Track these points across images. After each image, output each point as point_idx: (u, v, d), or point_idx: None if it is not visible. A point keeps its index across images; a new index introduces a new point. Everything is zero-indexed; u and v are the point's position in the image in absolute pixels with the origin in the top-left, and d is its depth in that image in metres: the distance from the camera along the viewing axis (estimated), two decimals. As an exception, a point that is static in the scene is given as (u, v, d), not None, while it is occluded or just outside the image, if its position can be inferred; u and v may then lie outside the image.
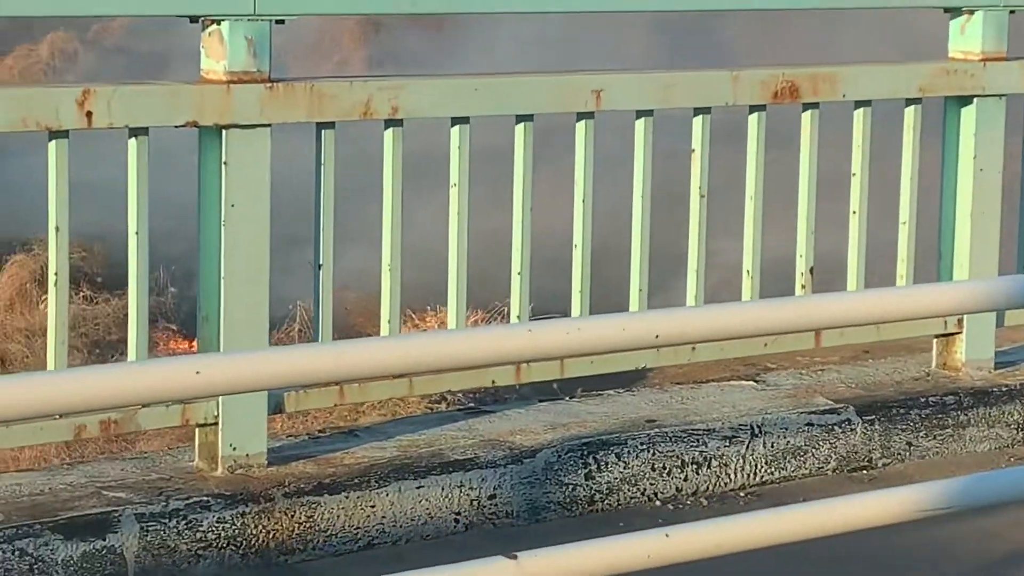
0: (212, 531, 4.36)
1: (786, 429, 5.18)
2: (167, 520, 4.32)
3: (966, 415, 5.47)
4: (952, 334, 5.68)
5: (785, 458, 5.17)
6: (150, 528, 4.29)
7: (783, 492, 5.08)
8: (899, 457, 5.34)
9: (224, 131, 4.49)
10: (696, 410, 5.21)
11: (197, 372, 2.54)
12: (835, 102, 5.38)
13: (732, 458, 5.08)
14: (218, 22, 4.48)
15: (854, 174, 5.51)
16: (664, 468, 4.99)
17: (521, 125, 4.94)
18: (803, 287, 5.44)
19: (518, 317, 4.99)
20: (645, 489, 4.96)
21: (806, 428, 5.21)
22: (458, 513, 4.69)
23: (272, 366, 2.87)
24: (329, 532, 4.51)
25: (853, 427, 5.28)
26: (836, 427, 5.25)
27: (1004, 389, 5.56)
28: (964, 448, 5.46)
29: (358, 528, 4.55)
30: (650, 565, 3.03)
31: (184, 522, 4.34)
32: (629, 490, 4.94)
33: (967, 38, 5.61)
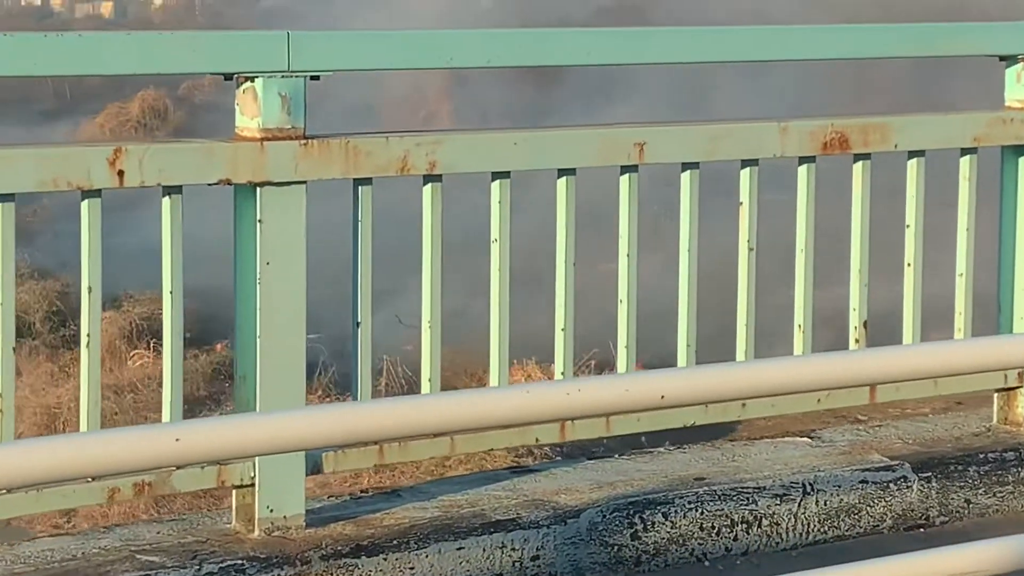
0: (247, 594, 4.23)
1: (839, 487, 4.99)
2: (200, 584, 4.19)
3: (1020, 470, 5.26)
4: (1013, 388, 5.48)
5: (839, 516, 4.97)
6: (183, 592, 4.16)
7: (836, 551, 4.89)
8: (957, 515, 5.14)
9: (258, 188, 4.39)
10: (747, 467, 5.03)
11: (226, 432, 2.40)
12: (887, 152, 5.21)
13: (783, 517, 4.90)
14: (252, 79, 4.38)
15: (908, 225, 5.32)
16: (713, 527, 4.81)
17: (563, 179, 4.80)
18: (856, 341, 5.26)
19: (562, 374, 4.84)
20: (693, 549, 4.79)
21: (860, 486, 5.02)
22: (500, 575, 4.54)
23: (304, 425, 2.74)
24: (367, 595, 4.37)
25: (909, 484, 5.08)
26: (891, 484, 5.06)
27: (1067, 444, 5.35)
28: (1025, 505, 5.25)
29: (397, 591, 4.41)
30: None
31: (217, 585, 4.21)
32: (677, 550, 4.76)
33: (1022, 86, 5.42)
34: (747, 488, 4.89)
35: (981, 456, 5.22)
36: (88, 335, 4.29)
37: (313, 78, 4.44)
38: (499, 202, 4.72)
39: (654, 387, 2.53)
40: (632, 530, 4.70)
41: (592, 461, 5.08)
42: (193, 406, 13.85)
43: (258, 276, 4.40)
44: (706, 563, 4.79)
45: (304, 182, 4.44)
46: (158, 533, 4.40)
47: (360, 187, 4.57)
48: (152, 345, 14.90)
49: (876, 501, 5.03)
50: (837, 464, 5.09)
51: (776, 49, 5.27)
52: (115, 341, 14.85)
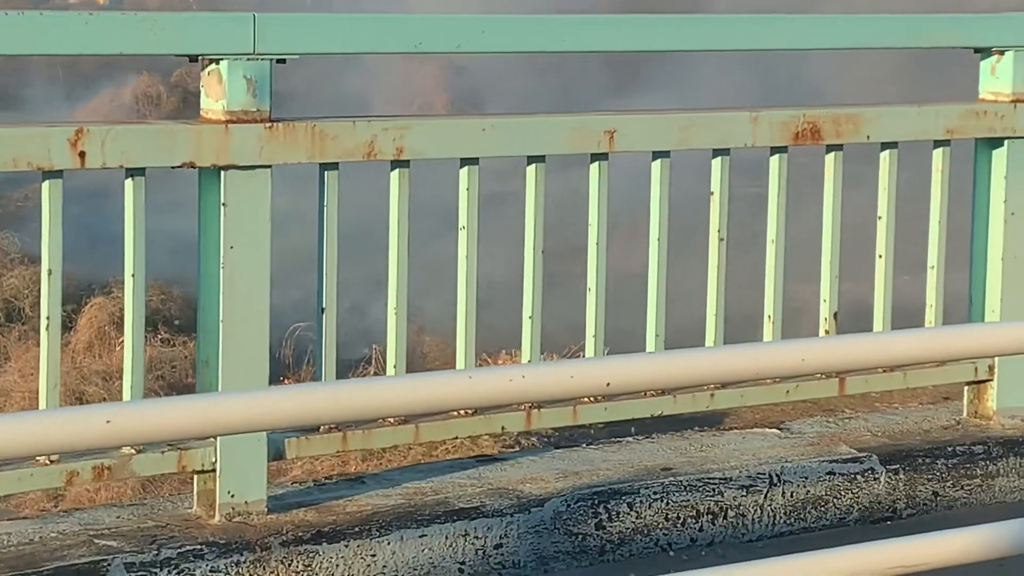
0: (206, 580, 4.14)
1: (806, 478, 4.89)
2: (157, 569, 4.09)
3: (995, 465, 5.17)
4: (983, 381, 5.38)
5: (805, 508, 4.88)
6: (141, 577, 4.07)
7: (802, 543, 4.79)
8: (924, 508, 5.04)
9: (223, 172, 4.29)
10: (714, 458, 4.94)
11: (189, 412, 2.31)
12: (859, 144, 5.12)
13: (749, 508, 4.81)
14: (217, 61, 4.28)
15: (880, 217, 5.23)
16: (678, 518, 4.72)
17: (532, 166, 4.71)
18: (827, 332, 5.16)
19: (529, 362, 4.74)
20: (658, 539, 4.69)
21: (827, 477, 4.93)
22: (463, 563, 4.44)
23: (261, 406, 2.65)
24: (328, 582, 4.27)
25: (876, 476, 4.99)
26: (858, 476, 4.96)
27: (1037, 438, 5.26)
28: (993, 499, 5.15)
29: (358, 578, 4.31)
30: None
31: (175, 571, 4.11)
32: (641, 540, 4.67)
33: (998, 79, 5.32)
34: (713, 479, 4.79)
35: (949, 449, 5.13)
36: (48, 317, 4.18)
37: (279, 61, 4.34)
38: (467, 189, 4.62)
39: (600, 374, 2.43)
40: (597, 520, 4.61)
41: (559, 450, 4.99)
42: (183, 392, 13.73)
43: (221, 261, 4.30)
44: (671, 553, 4.69)
45: (269, 166, 4.33)
46: (118, 517, 4.30)
47: (326, 172, 4.47)
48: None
49: (843, 493, 4.94)
50: (805, 455, 4.99)
51: (754, 39, 5.17)
52: (104, 327, 14.71)
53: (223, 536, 4.22)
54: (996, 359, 5.33)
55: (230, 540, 4.20)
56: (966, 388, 5.43)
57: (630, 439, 5.13)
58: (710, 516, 4.75)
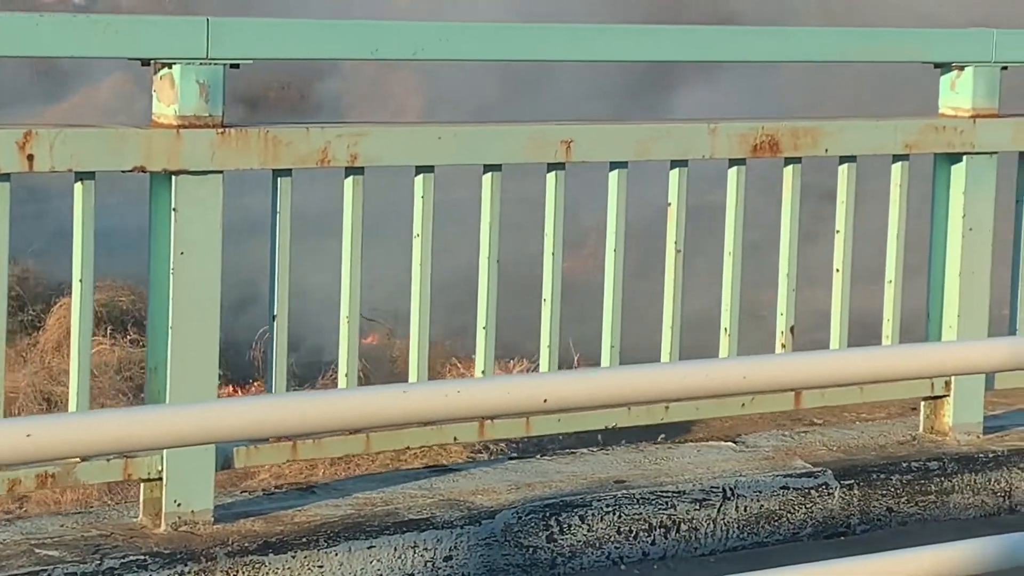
0: (150, 590, 4.03)
1: (760, 492, 4.80)
2: (100, 579, 3.98)
3: (950, 481, 5.08)
4: (939, 397, 5.30)
5: (758, 522, 4.79)
6: (84, 586, 3.95)
7: (755, 558, 4.70)
8: (879, 523, 4.96)
9: (174, 177, 4.18)
10: (668, 471, 4.84)
11: (131, 424, 2.22)
12: (817, 157, 5.03)
13: (702, 522, 4.71)
14: (169, 65, 4.17)
15: (838, 231, 5.14)
16: (630, 531, 4.62)
17: (488, 175, 4.60)
18: (783, 346, 5.07)
19: (483, 372, 4.64)
20: (610, 553, 4.59)
21: (781, 492, 4.83)
22: (411, 575, 4.34)
23: (208, 419, 2.55)
24: (274, 593, 4.16)
25: (831, 491, 4.90)
26: (813, 491, 4.87)
27: (991, 455, 5.17)
28: (948, 515, 5.07)
29: (305, 589, 4.20)
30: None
31: (118, 581, 4.00)
32: (593, 553, 4.57)
33: (957, 94, 5.24)
34: (666, 492, 4.70)
35: (904, 465, 5.04)
36: (-8, 322, 4.07)
37: (233, 66, 4.23)
38: (422, 197, 4.52)
39: (537, 390, 2.34)
40: (548, 532, 4.51)
41: (513, 461, 4.89)
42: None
43: (171, 267, 4.19)
44: (622, 567, 4.59)
45: (221, 172, 4.23)
46: (61, 526, 4.18)
47: (279, 178, 4.36)
48: (109, 332, 14.63)
49: (797, 508, 4.85)
50: (759, 469, 4.90)
51: (715, 51, 5.08)
52: (72, 328, 14.53)
53: (168, 546, 4.11)
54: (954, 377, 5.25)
55: (175, 550, 4.09)
56: (923, 403, 5.35)
57: (585, 451, 5.03)
58: (663, 529, 4.66)
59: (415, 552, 4.33)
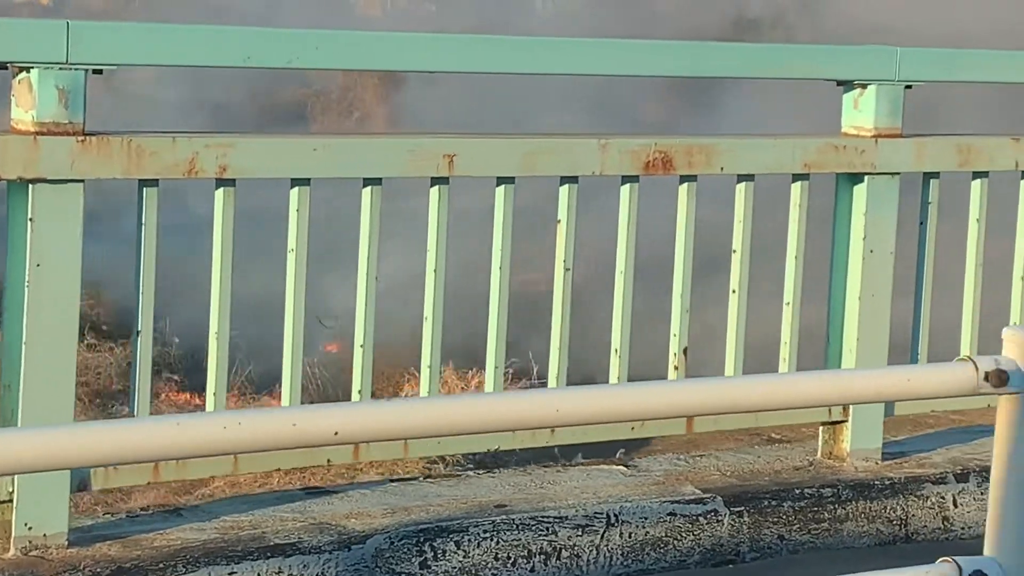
0: (-5, 617, 3.79)
1: (646, 519, 4.59)
2: (-60, 605, 3.75)
3: (844, 509, 4.88)
4: (838, 422, 5.10)
5: (643, 549, 4.57)
6: (-76, 613, 3.72)
7: (640, 587, 4.49)
8: (769, 551, 4.75)
9: (31, 186, 3.94)
10: (552, 495, 4.63)
11: None
12: (712, 175, 4.83)
13: (584, 548, 4.49)
14: (27, 70, 3.93)
15: (735, 251, 4.94)
16: (508, 557, 4.40)
17: (368, 189, 4.38)
18: (676, 368, 4.86)
19: (359, 393, 4.41)
20: (487, 580, 4.38)
21: (668, 518, 4.62)
22: (276, 602, 4.11)
23: (54, 444, 2.34)
24: (130, 620, 3.93)
25: (720, 518, 4.69)
26: (701, 518, 4.66)
27: (888, 482, 4.97)
28: (841, 543, 4.86)
29: (163, 616, 3.97)
30: None
31: (-40, 607, 3.76)
32: (469, 581, 4.35)
33: (860, 113, 5.04)
34: (548, 517, 4.48)
35: (797, 491, 4.84)
36: None
37: (96, 71, 4.00)
38: (296, 210, 4.30)
39: (325, 423, 2.13)
40: (421, 558, 4.29)
41: (395, 484, 4.66)
42: (106, 400, 13.25)
43: (27, 279, 3.95)
44: (500, 595, 4.38)
45: (82, 181, 3.99)
46: (-93, 548, 3.95)
47: (145, 188, 4.13)
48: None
49: (684, 535, 4.64)
50: (647, 495, 4.69)
51: (598, 64, 4.86)
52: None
53: (16, 571, 3.87)
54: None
55: (22, 575, 3.86)
56: (821, 428, 5.15)
57: (471, 474, 4.82)
58: (542, 556, 4.44)
59: (280, 578, 4.11)
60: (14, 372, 3.98)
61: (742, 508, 4.72)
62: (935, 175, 5.20)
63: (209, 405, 4.23)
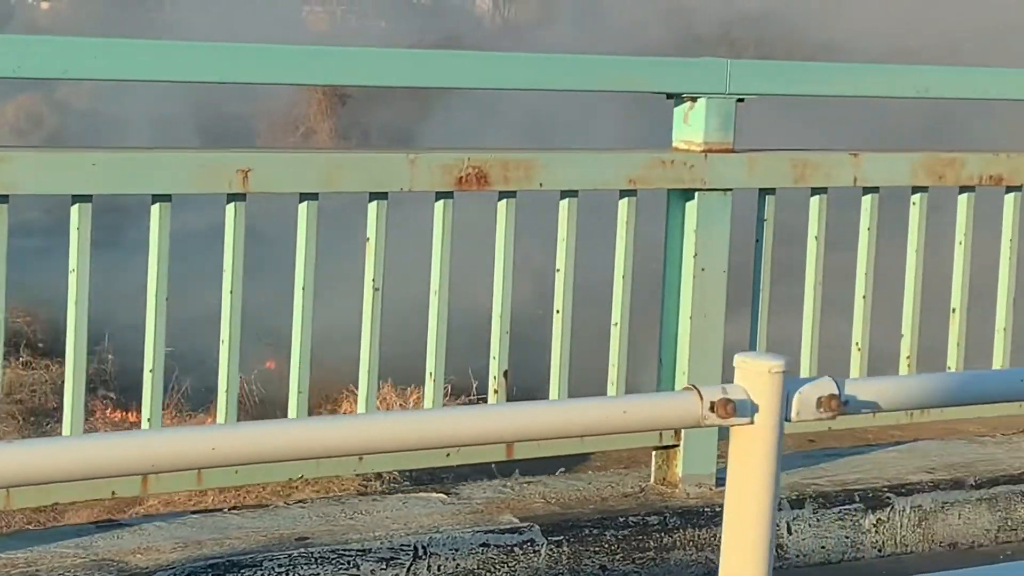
0: None
1: (457, 550, 4.33)
2: None
3: (671, 537, 4.63)
4: (670, 447, 4.86)
5: (453, 583, 4.32)
6: None
7: (448, 622, 4.24)
8: (589, 583, 4.50)
9: None
10: (361, 526, 4.36)
11: None
12: (532, 191, 4.58)
13: (389, 583, 4.24)
14: None
15: (558, 269, 4.69)
16: (305, 594, 4.14)
17: (156, 206, 4.12)
18: (496, 392, 4.61)
19: (225, 416, 4.13)
20: (282, 617, 4.11)
21: (481, 549, 4.36)
22: (48, 644, 3.83)
23: None
24: None
25: (536, 548, 4.43)
26: (516, 548, 4.41)
27: (719, 508, 4.71)
28: (668, 572, 4.62)
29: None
30: None
31: None
32: (262, 618, 4.08)
33: (690, 127, 4.81)
34: (350, 550, 4.21)
35: (622, 519, 4.59)
36: None
37: None
38: (77, 228, 4.03)
39: (198, 443, 1.91)
40: (209, 596, 4.02)
41: (195, 515, 4.39)
42: (40, 418, 12.89)
43: None
44: (296, 632, 4.11)
45: None
46: None
47: (-88, 205, 3.86)
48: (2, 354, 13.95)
49: (498, 566, 4.38)
50: (463, 524, 4.43)
51: (428, 76, 4.62)
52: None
53: None
54: (683, 423, 4.81)
55: None
56: (654, 453, 4.90)
57: (280, 504, 4.54)
58: (342, 591, 4.18)
59: (52, 618, 3.83)
60: None
61: (561, 537, 4.47)
62: (771, 191, 4.97)
63: (66, 431, 3.98)
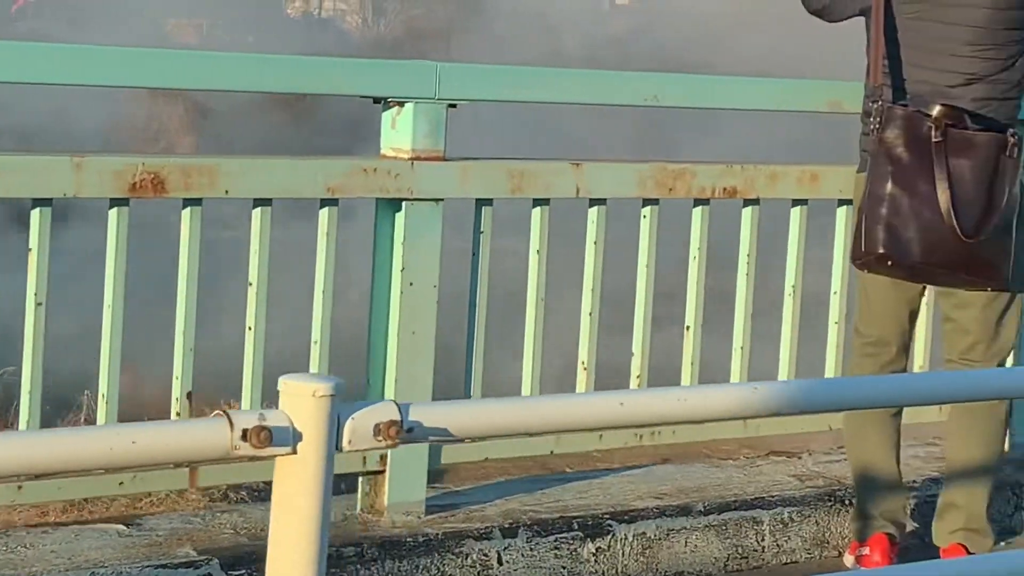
0: None
1: (121, 587, 3.98)
2: None
3: (368, 569, 4.30)
4: (376, 472, 4.54)
5: (117, 622, 3.96)
6: None
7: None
8: (273, 620, 4.15)
9: None
10: (21, 560, 3.98)
11: None
12: (218, 199, 4.24)
13: (41, 623, 3.87)
14: None
15: (250, 283, 4.36)
16: (-56, 636, 3.76)
17: None
18: (178, 413, 4.26)
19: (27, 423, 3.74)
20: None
21: (152, 585, 4.02)
22: None
23: None
24: None
25: (214, 584, 4.09)
26: (191, 584, 4.06)
27: (423, 538, 4.41)
28: (364, 609, 4.30)
29: None
30: None
31: None
32: None
33: (398, 133, 4.49)
34: (-1, 588, 3.85)
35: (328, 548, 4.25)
36: None
37: None
38: None
39: None
40: None
41: None
42: None
43: None
44: None
45: None
46: None
47: None
48: None
49: (170, 604, 4.03)
50: (133, 558, 4.06)
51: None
52: None
53: None
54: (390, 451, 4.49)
55: None
56: (361, 479, 4.58)
57: (-59, 535, 4.16)
58: (-12, 634, 3.80)
59: None
60: None
61: (243, 571, 4.12)
62: (488, 202, 4.68)
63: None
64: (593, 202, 4.83)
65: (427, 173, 4.47)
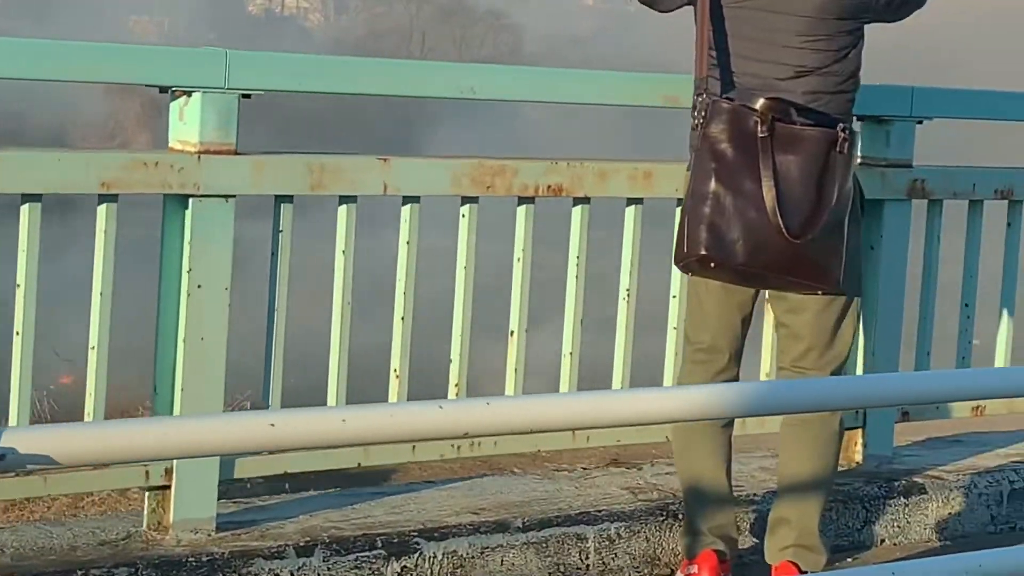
0: None
1: None
2: None
3: (144, 591, 4.00)
4: (161, 487, 4.23)
5: None
6: None
7: None
8: (32, 648, 3.85)
9: None
10: None
11: None
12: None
13: None
14: None
15: (19, 285, 4.04)
16: None
17: None
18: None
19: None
20: None
21: None
22: None
23: None
24: None
25: (-34, 610, 3.78)
26: (-62, 611, 3.75)
27: (208, 558, 4.09)
28: (137, 634, 3.99)
29: None
30: None
31: None
32: None
33: (185, 125, 4.19)
34: None
35: (81, 573, 3.94)
36: None
37: None
38: None
39: None
40: None
41: None
42: None
43: None
44: None
45: None
46: None
47: None
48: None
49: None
50: None
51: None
52: None
53: None
54: (175, 462, 4.19)
55: None
56: (147, 495, 4.27)
57: None
58: None
59: None
60: None
61: (5, 596, 3.81)
62: (288, 199, 4.38)
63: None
64: (407, 200, 4.54)
65: (216, 167, 4.17)
